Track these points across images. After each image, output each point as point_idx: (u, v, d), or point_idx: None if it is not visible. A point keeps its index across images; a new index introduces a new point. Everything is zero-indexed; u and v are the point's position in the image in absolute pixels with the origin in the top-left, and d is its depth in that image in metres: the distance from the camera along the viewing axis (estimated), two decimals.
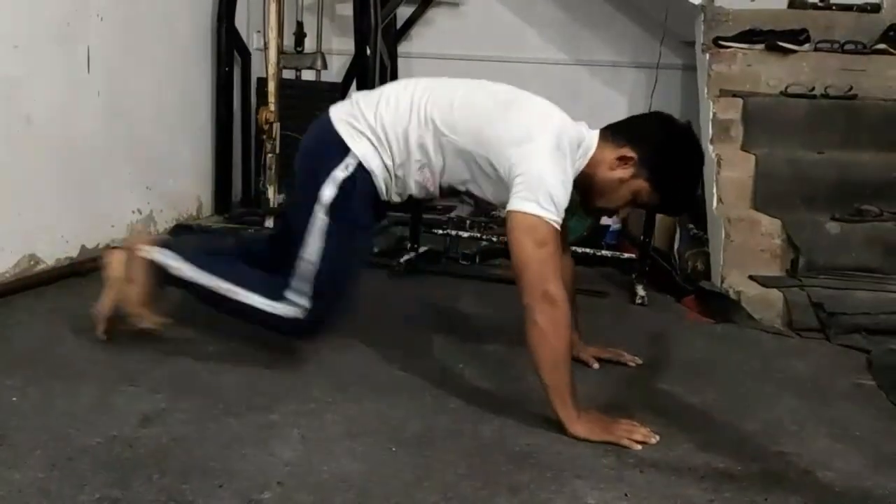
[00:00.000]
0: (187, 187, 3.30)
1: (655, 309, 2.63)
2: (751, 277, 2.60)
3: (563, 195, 1.58)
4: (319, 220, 1.72)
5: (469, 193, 1.80)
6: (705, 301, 2.62)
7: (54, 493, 1.23)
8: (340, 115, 1.77)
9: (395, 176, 1.76)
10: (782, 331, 2.41)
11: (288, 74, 3.44)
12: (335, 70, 4.01)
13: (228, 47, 3.39)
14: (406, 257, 2.91)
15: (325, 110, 1.82)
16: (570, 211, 1.76)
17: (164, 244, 1.83)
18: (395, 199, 1.82)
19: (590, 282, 2.88)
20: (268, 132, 2.96)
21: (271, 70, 2.97)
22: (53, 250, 2.50)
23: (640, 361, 2.02)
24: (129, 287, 1.80)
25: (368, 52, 3.34)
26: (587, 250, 2.94)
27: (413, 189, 1.79)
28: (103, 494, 1.23)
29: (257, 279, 1.79)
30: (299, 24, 3.66)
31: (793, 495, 1.37)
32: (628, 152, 1.68)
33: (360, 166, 1.72)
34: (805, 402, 1.84)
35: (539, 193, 1.55)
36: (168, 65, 3.08)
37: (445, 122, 1.69)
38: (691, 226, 3.02)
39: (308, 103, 3.38)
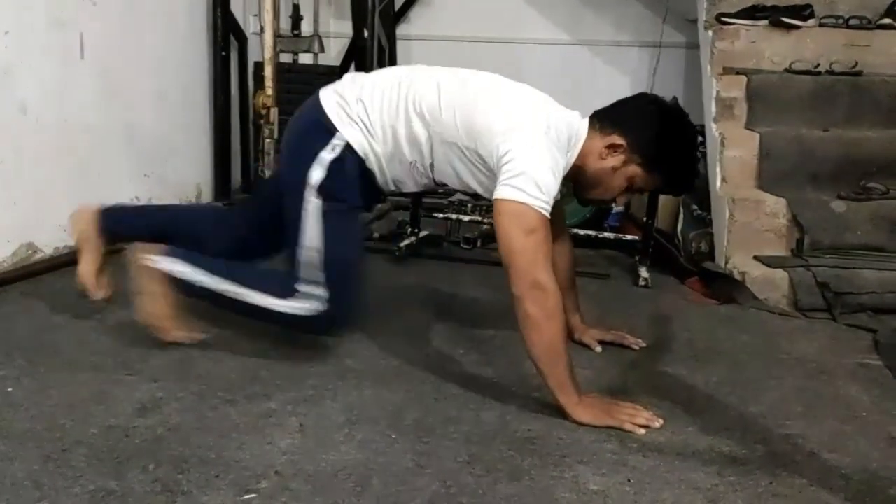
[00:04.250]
0: (186, 174, 3.28)
1: (659, 291, 2.61)
2: (755, 258, 2.57)
3: (551, 181, 1.55)
4: (312, 203, 1.68)
5: (462, 189, 1.77)
6: (709, 282, 2.60)
7: (48, 484, 1.21)
8: (330, 97, 1.74)
9: (386, 166, 1.73)
10: (787, 311, 2.39)
11: (285, 58, 3.41)
12: (333, 53, 3.98)
13: (225, 31, 3.36)
14: (406, 242, 2.89)
15: (316, 92, 1.78)
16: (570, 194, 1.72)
17: (167, 250, 1.73)
18: (391, 188, 1.80)
19: (593, 264, 2.87)
20: (265, 117, 2.93)
21: (268, 54, 2.94)
22: (52, 239, 2.48)
23: (643, 344, 1.99)
24: (147, 300, 1.72)
25: (366, 34, 3.31)
26: (590, 232, 2.92)
27: (407, 183, 1.77)
28: (98, 486, 1.22)
29: (266, 278, 1.73)
30: (296, 7, 3.63)
31: (799, 477, 1.35)
32: (617, 139, 1.65)
33: (347, 147, 1.69)
34: (811, 382, 1.82)
35: (526, 180, 1.51)
36: (164, 50, 3.05)
37: (433, 114, 1.66)
38: (695, 207, 2.99)
39: (306, 87, 3.35)
